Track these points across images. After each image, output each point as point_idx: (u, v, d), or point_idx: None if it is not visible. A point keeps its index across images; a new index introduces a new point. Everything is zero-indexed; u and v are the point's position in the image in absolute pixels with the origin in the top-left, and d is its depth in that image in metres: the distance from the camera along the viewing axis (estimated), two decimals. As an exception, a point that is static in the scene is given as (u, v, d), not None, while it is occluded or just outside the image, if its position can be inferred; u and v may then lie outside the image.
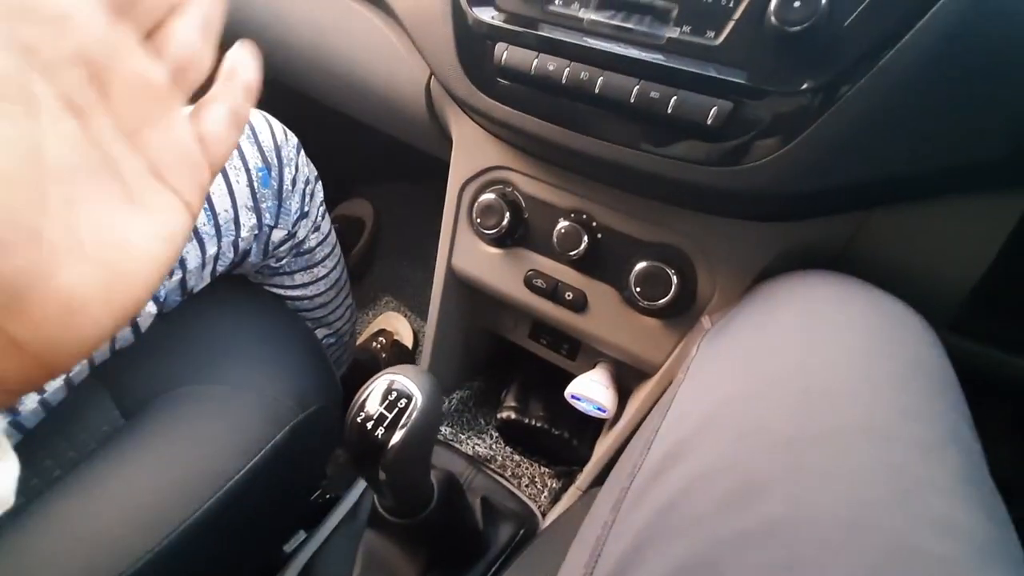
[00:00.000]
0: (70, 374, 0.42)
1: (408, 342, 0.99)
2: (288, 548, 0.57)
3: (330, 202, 0.62)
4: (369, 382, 0.34)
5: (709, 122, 0.33)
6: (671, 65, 0.34)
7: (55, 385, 0.41)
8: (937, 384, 0.27)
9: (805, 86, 0.32)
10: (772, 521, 0.20)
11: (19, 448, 0.42)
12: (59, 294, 0.16)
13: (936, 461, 0.23)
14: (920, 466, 0.22)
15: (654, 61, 0.35)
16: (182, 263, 0.46)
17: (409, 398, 0.33)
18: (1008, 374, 0.41)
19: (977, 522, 0.21)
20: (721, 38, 0.33)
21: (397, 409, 0.32)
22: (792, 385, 0.26)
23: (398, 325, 1.03)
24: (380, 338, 0.97)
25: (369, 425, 0.32)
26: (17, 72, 0.15)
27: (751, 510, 0.22)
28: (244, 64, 0.22)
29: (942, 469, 0.22)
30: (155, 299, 0.45)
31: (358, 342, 0.98)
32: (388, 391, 0.33)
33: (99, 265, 0.17)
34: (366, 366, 0.89)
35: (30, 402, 0.40)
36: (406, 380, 0.33)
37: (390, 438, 0.32)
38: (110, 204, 0.17)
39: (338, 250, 0.65)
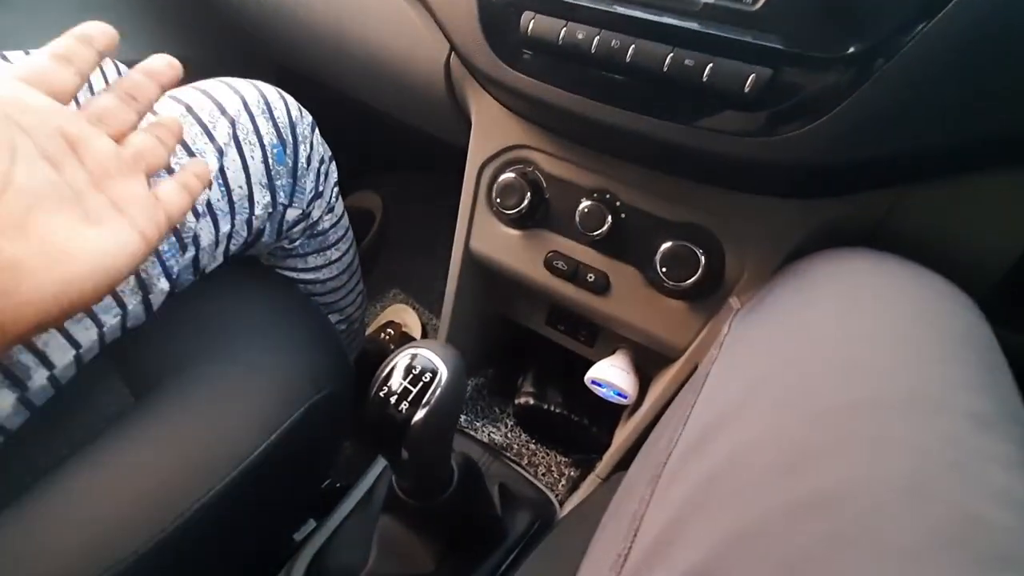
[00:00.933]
0: (80, 350, 0.41)
1: (417, 335, 0.98)
2: (298, 536, 0.56)
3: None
4: (391, 357, 0.33)
5: (746, 90, 0.32)
6: (707, 31, 0.33)
7: (65, 361, 0.40)
8: (987, 359, 0.26)
9: (847, 53, 0.31)
10: (823, 490, 0.20)
11: (27, 426, 0.41)
12: (3, 258, 0.23)
13: (993, 434, 0.22)
14: (976, 437, 0.21)
15: (689, 27, 0.34)
16: (195, 240, 0.45)
17: (434, 372, 0.32)
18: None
19: None
20: (759, 3, 0.32)
21: (421, 384, 0.31)
22: (836, 357, 0.25)
23: (407, 317, 1.01)
24: (388, 330, 0.96)
25: (392, 400, 0.31)
26: (6, 129, 0.25)
27: (800, 480, 0.21)
28: (197, 164, 0.34)
29: (999, 442, 0.21)
30: (168, 275, 0.44)
31: (366, 334, 0.97)
32: (411, 365, 0.32)
33: (44, 248, 0.24)
34: (374, 356, 0.88)
35: (39, 379, 0.39)
36: (430, 354, 0.32)
37: (414, 414, 0.31)
38: (69, 218, 0.26)
39: (350, 234, 0.64)
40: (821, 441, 0.22)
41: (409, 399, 0.31)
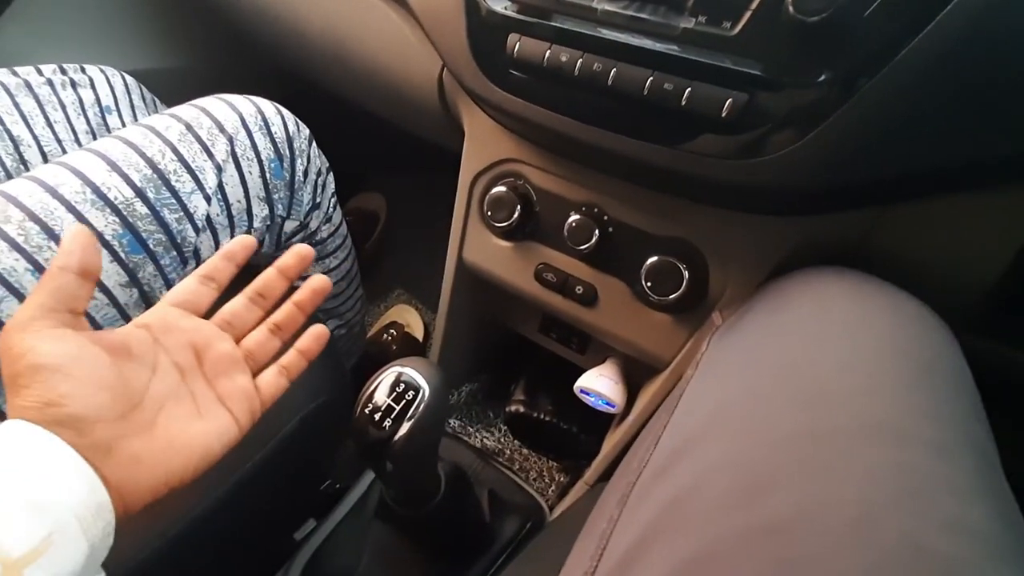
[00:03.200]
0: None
1: (419, 335, 0.99)
2: (299, 535, 0.58)
3: (343, 196, 0.62)
4: (377, 374, 0.34)
5: (724, 114, 0.33)
6: (685, 56, 0.34)
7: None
8: (952, 385, 0.27)
9: (822, 78, 0.31)
10: (779, 517, 0.20)
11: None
12: (128, 452, 0.27)
13: (948, 462, 0.22)
14: (931, 466, 0.21)
15: (668, 52, 0.34)
16: (196, 253, 0.47)
17: (417, 390, 0.33)
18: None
19: (989, 523, 0.20)
20: (737, 28, 0.33)
21: (404, 401, 0.33)
22: (802, 382, 0.26)
23: (409, 318, 1.03)
24: (391, 330, 0.98)
25: (377, 416, 0.32)
26: (152, 350, 0.31)
27: (758, 506, 0.21)
28: (309, 342, 0.37)
29: (954, 470, 0.22)
30: (169, 288, 0.46)
31: (369, 334, 0.98)
32: (396, 383, 0.34)
33: (162, 442, 0.29)
34: (376, 358, 0.89)
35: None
36: (414, 372, 0.34)
37: (397, 429, 0.32)
38: (185, 413, 0.31)
39: (349, 242, 0.66)
40: (779, 468, 0.22)
41: (393, 416, 0.32)
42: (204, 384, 0.32)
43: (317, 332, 0.37)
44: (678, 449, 0.26)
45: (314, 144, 0.56)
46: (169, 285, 0.46)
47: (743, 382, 0.28)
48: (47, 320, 0.27)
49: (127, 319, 0.44)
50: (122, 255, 0.42)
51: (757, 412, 0.25)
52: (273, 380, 0.35)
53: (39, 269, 0.39)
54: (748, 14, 0.32)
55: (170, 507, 0.38)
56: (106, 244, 0.41)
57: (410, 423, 0.32)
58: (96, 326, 0.42)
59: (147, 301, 0.45)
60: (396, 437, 0.32)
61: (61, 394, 0.26)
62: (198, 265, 0.48)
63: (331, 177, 0.60)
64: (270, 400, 0.35)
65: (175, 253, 0.45)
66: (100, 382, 0.27)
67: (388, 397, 0.33)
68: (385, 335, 0.97)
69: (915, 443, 0.22)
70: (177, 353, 0.32)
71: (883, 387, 0.25)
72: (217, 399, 0.32)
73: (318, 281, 0.38)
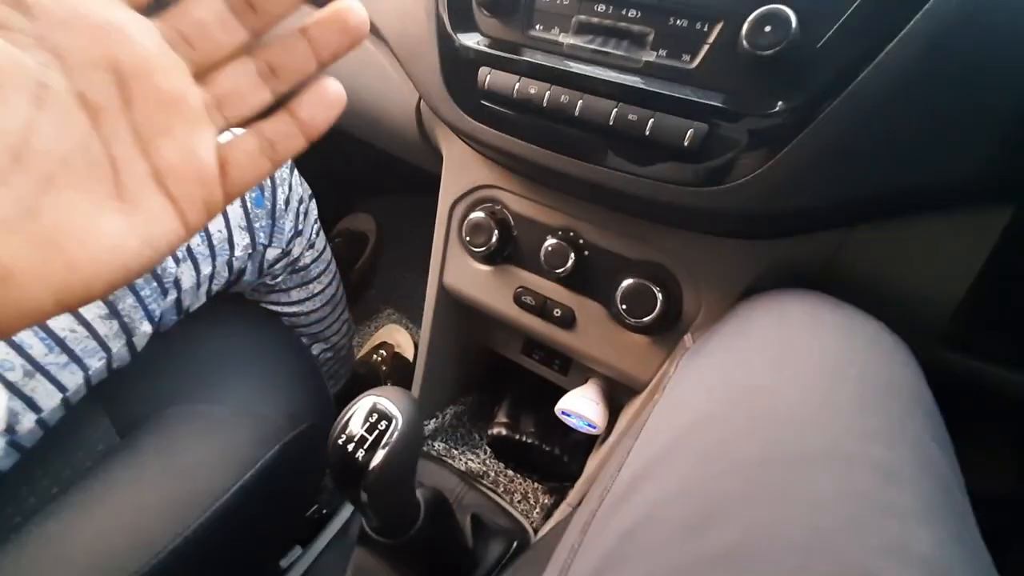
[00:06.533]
0: (67, 394, 0.43)
1: (409, 354, 0.99)
2: (285, 563, 0.58)
3: (333, 217, 0.63)
4: (352, 403, 0.35)
5: (686, 143, 0.34)
6: (647, 88, 0.35)
7: (52, 405, 0.42)
8: (908, 406, 0.27)
9: (778, 108, 0.32)
10: (728, 547, 0.21)
11: (17, 467, 0.43)
12: None
13: (898, 486, 0.22)
14: (880, 491, 0.22)
15: (631, 84, 0.35)
16: (176, 283, 0.47)
17: (390, 420, 0.33)
18: (1010, 391, 0.41)
19: (940, 548, 0.20)
20: (696, 62, 0.34)
21: (378, 431, 0.33)
22: (756, 408, 0.26)
23: (399, 338, 1.03)
24: (381, 351, 0.98)
25: (350, 447, 0.33)
26: (35, 66, 0.17)
27: (708, 536, 0.22)
28: (318, 104, 0.22)
29: (904, 494, 0.22)
30: (150, 319, 0.46)
31: (359, 355, 0.98)
32: (370, 412, 0.34)
33: (50, 242, 0.17)
34: (365, 379, 0.89)
35: (27, 422, 0.41)
36: (387, 402, 0.34)
37: (370, 459, 0.32)
38: (92, 195, 0.18)
39: (333, 266, 0.66)
40: (730, 496, 0.23)
41: (366, 446, 0.33)
42: (131, 142, 0.19)
43: (328, 90, 0.22)
44: (637, 478, 0.27)
45: (295, 172, 0.57)
46: (150, 316, 0.46)
47: (701, 408, 0.28)
48: None
49: (107, 351, 0.44)
50: (102, 288, 0.42)
51: (711, 439, 0.26)
52: (248, 156, 0.21)
53: None
54: (706, 48, 0.33)
55: (149, 539, 0.38)
56: (86, 278, 0.42)
57: (383, 452, 0.33)
58: (76, 360, 0.43)
59: (127, 332, 0.45)
60: (370, 467, 0.32)
61: None
62: (180, 295, 0.49)
63: (313, 204, 0.60)
64: (239, 189, 0.21)
65: (155, 284, 0.46)
66: None
67: (362, 427, 0.33)
68: (375, 355, 0.97)
69: (865, 467, 0.23)
70: (84, 74, 0.18)
71: (836, 411, 0.25)
72: (151, 173, 0.19)
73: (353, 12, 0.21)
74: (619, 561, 0.23)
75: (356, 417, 0.34)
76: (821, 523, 0.21)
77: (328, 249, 0.64)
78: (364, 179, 1.17)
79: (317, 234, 0.61)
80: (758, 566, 0.20)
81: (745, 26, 0.30)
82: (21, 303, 0.17)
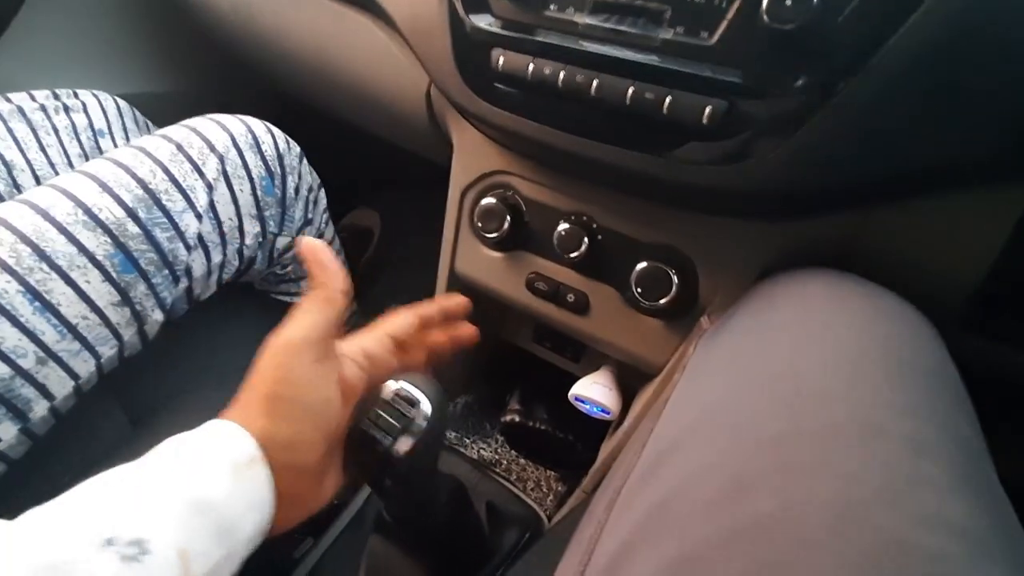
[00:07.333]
0: (79, 381, 0.43)
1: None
2: (297, 554, 0.57)
3: (337, 213, 0.63)
4: (375, 388, 0.34)
5: (704, 121, 0.33)
6: (665, 66, 0.34)
7: (64, 392, 0.42)
8: (935, 382, 0.27)
9: (799, 84, 0.32)
10: (760, 519, 0.20)
11: (29, 456, 0.43)
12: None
13: (930, 458, 0.22)
14: (913, 463, 0.22)
15: (648, 62, 0.35)
16: (188, 271, 0.47)
17: (415, 404, 0.33)
18: (1026, 373, 0.40)
19: (974, 519, 0.20)
20: (715, 38, 0.33)
21: (403, 416, 0.32)
22: (783, 383, 0.26)
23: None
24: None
25: (374, 432, 0.32)
26: (358, 382, 0.33)
27: (739, 508, 0.21)
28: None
29: (937, 466, 0.22)
30: (162, 307, 0.46)
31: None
32: (394, 398, 0.33)
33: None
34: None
35: (40, 410, 0.41)
36: (411, 387, 0.33)
37: (396, 445, 0.32)
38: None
39: (342, 257, 0.66)
40: (761, 469, 0.22)
41: (391, 430, 0.32)
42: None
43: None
44: (664, 452, 0.26)
45: (305, 161, 0.57)
46: (161, 304, 0.46)
47: (727, 385, 0.28)
48: (316, 347, 0.29)
49: (119, 339, 0.44)
50: (114, 275, 0.42)
51: (740, 414, 0.26)
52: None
53: (30, 291, 0.39)
54: (724, 23, 0.33)
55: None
56: (98, 264, 0.41)
57: (410, 438, 0.32)
58: (88, 347, 0.42)
59: (139, 320, 0.45)
60: (395, 453, 0.32)
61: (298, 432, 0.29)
62: (191, 284, 0.49)
63: (323, 193, 0.60)
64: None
65: (167, 272, 0.46)
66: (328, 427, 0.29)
67: (386, 412, 0.32)
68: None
69: (894, 439, 0.22)
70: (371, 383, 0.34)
71: (863, 385, 0.25)
72: None
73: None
74: (650, 533, 0.23)
75: (380, 402, 0.33)
76: (854, 494, 0.21)
77: (337, 240, 0.64)
78: (368, 175, 1.16)
79: (327, 224, 0.61)
80: (793, 537, 0.20)
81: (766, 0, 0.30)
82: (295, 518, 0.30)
